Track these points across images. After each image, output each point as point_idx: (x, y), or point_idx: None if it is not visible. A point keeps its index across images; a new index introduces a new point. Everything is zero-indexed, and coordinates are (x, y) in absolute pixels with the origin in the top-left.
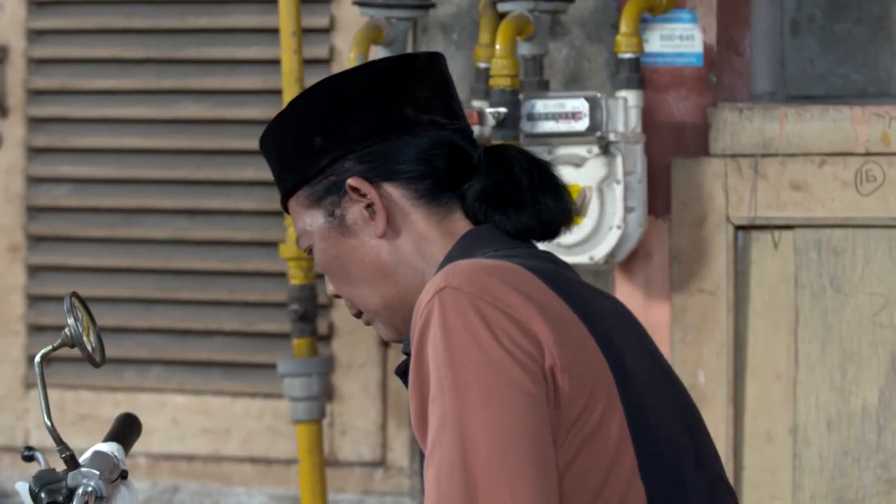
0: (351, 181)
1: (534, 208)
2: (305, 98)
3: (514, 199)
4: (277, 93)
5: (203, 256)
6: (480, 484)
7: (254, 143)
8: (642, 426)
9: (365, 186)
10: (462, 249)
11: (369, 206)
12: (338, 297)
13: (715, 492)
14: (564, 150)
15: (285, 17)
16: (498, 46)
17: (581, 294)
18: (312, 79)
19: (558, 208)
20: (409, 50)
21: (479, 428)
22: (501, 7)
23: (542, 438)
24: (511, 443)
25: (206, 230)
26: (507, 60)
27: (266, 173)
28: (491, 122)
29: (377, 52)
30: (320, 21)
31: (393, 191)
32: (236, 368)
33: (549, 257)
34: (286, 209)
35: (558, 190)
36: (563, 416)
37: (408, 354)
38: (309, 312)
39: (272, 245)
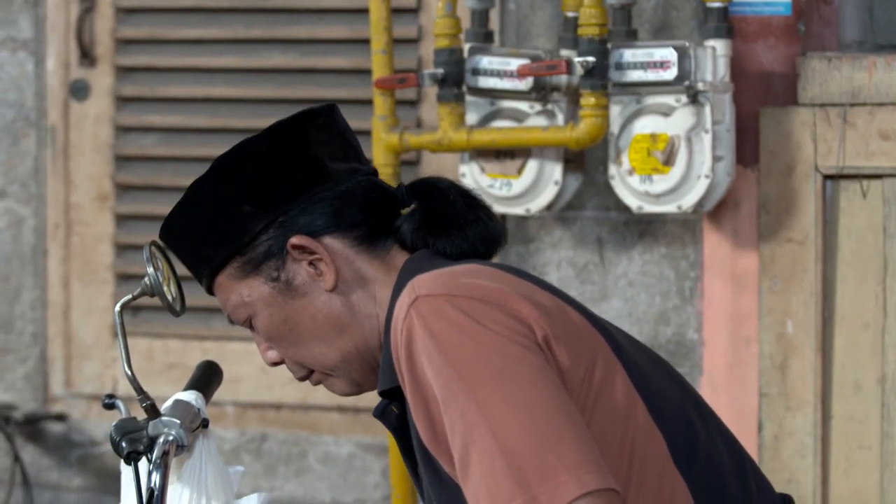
0: (294, 240)
1: (476, 225)
2: (217, 173)
3: (454, 221)
4: (365, 41)
5: None
6: (525, 462)
7: (340, 93)
8: (643, 380)
9: (310, 243)
10: (409, 274)
11: (313, 262)
12: (277, 364)
13: (724, 433)
14: (652, 100)
15: None
16: None
17: (543, 280)
18: (400, 27)
19: (496, 226)
20: (498, 3)
21: (504, 411)
22: None
23: (565, 400)
24: (539, 413)
25: None
26: (596, 9)
27: (355, 122)
28: (579, 70)
29: (465, 1)
30: None
31: (333, 242)
32: None
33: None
34: (211, 291)
35: (488, 210)
36: (568, 382)
37: (383, 394)
38: None
39: None
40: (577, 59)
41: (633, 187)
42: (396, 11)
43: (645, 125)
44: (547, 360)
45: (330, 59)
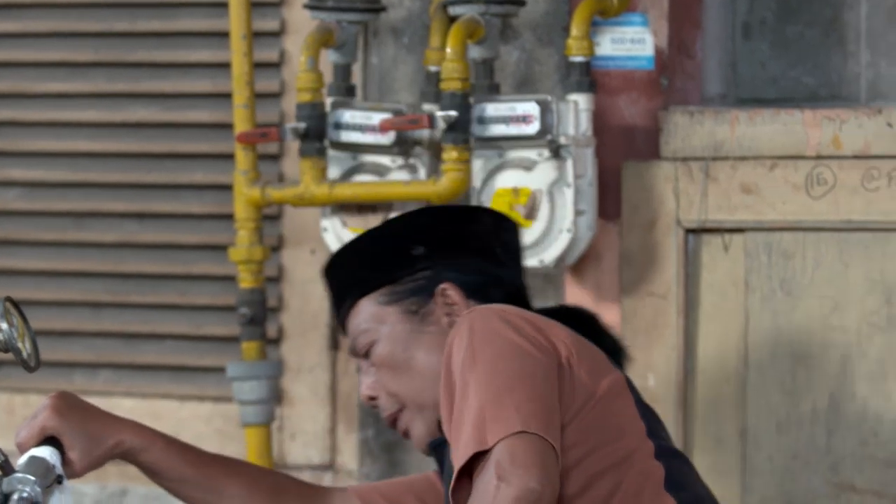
0: (447, 286)
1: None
2: (409, 223)
3: None
4: (227, 96)
5: (152, 260)
6: (488, 409)
7: (203, 147)
8: (649, 420)
9: (458, 296)
10: None
11: (448, 313)
12: (372, 399)
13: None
14: (515, 154)
15: (236, 20)
16: (448, 50)
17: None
18: (262, 82)
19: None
20: (360, 53)
21: (489, 377)
22: (452, 10)
23: (548, 387)
24: (515, 380)
25: (156, 233)
26: (458, 64)
27: (217, 177)
28: (441, 125)
29: (327, 56)
30: (271, 24)
31: (468, 304)
32: (185, 372)
33: None
34: (345, 320)
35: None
36: (577, 396)
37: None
38: (258, 316)
39: (222, 248)
40: (439, 114)
41: None
42: (259, 66)
43: (507, 179)
44: (564, 375)
45: (193, 114)
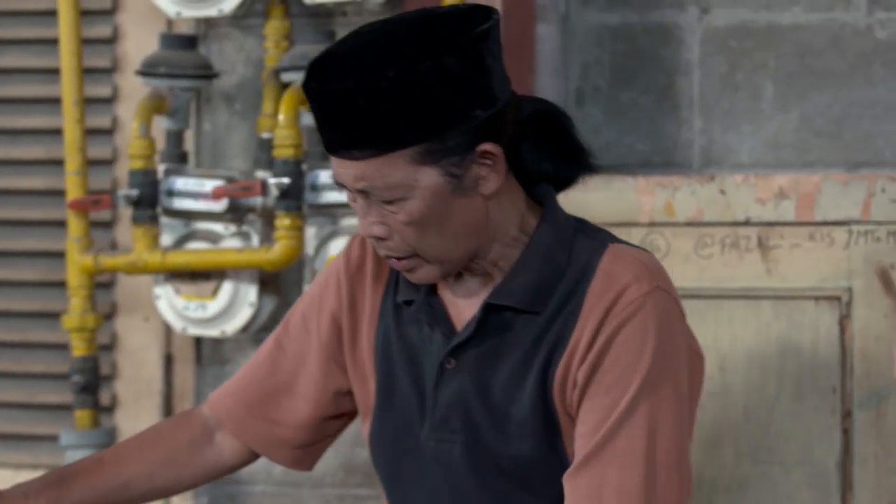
0: (488, 147)
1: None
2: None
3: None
4: (60, 163)
5: None
6: (660, 475)
7: (35, 214)
8: None
9: (498, 153)
10: (556, 217)
11: (487, 175)
12: (379, 238)
13: None
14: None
15: (68, 86)
16: (281, 116)
17: None
18: (95, 148)
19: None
20: (192, 119)
21: (667, 429)
22: (285, 77)
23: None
24: (683, 441)
25: None
26: (291, 130)
27: (49, 243)
28: (274, 192)
29: (160, 122)
30: (103, 90)
31: (502, 154)
32: (19, 440)
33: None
34: (345, 153)
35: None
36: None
37: (497, 305)
38: (91, 384)
39: (55, 316)
40: (272, 181)
41: None
42: (91, 132)
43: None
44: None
45: (25, 180)
